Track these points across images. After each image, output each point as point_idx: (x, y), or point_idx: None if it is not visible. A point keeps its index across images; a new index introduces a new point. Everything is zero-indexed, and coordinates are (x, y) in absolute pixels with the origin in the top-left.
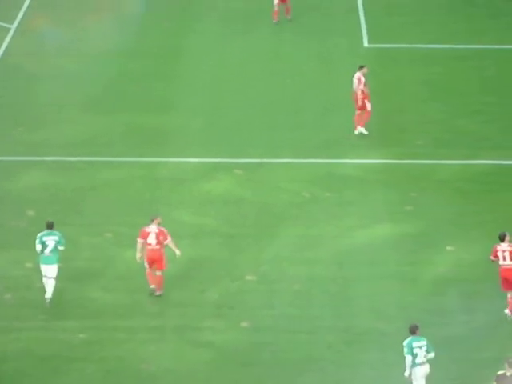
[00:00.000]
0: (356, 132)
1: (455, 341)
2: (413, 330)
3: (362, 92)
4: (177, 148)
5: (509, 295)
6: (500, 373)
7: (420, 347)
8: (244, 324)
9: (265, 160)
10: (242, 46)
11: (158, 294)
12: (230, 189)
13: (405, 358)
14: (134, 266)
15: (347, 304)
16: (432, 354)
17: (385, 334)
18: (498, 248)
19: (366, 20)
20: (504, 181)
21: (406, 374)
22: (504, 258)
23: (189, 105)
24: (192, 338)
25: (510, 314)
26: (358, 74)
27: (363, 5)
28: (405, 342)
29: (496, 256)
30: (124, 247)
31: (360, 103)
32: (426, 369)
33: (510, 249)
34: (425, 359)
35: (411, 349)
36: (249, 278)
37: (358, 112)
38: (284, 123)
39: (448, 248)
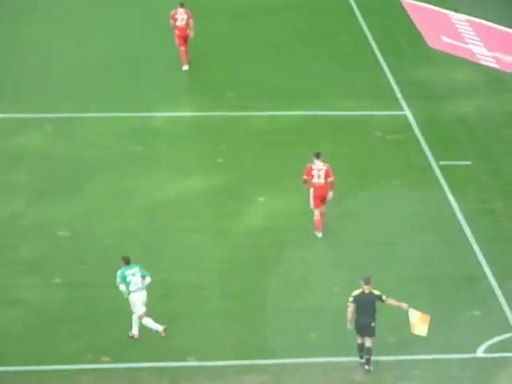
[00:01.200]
0: (184, 68)
1: (272, 290)
2: (126, 261)
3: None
4: None
5: (316, 214)
6: (356, 292)
7: (133, 274)
8: (57, 280)
9: (75, 115)
10: None
11: None
12: (41, 144)
13: (123, 288)
14: None
15: (160, 257)
16: (148, 279)
17: (199, 287)
18: (314, 167)
19: None
20: (314, 130)
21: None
22: (319, 177)
23: None
24: (4, 296)
25: (319, 234)
26: (184, 10)
27: None
28: (118, 272)
29: (310, 174)
30: None
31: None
32: (143, 295)
33: (324, 168)
34: (140, 286)
35: (124, 278)
36: (61, 233)
37: (182, 48)
38: (92, 79)
39: (260, 199)
